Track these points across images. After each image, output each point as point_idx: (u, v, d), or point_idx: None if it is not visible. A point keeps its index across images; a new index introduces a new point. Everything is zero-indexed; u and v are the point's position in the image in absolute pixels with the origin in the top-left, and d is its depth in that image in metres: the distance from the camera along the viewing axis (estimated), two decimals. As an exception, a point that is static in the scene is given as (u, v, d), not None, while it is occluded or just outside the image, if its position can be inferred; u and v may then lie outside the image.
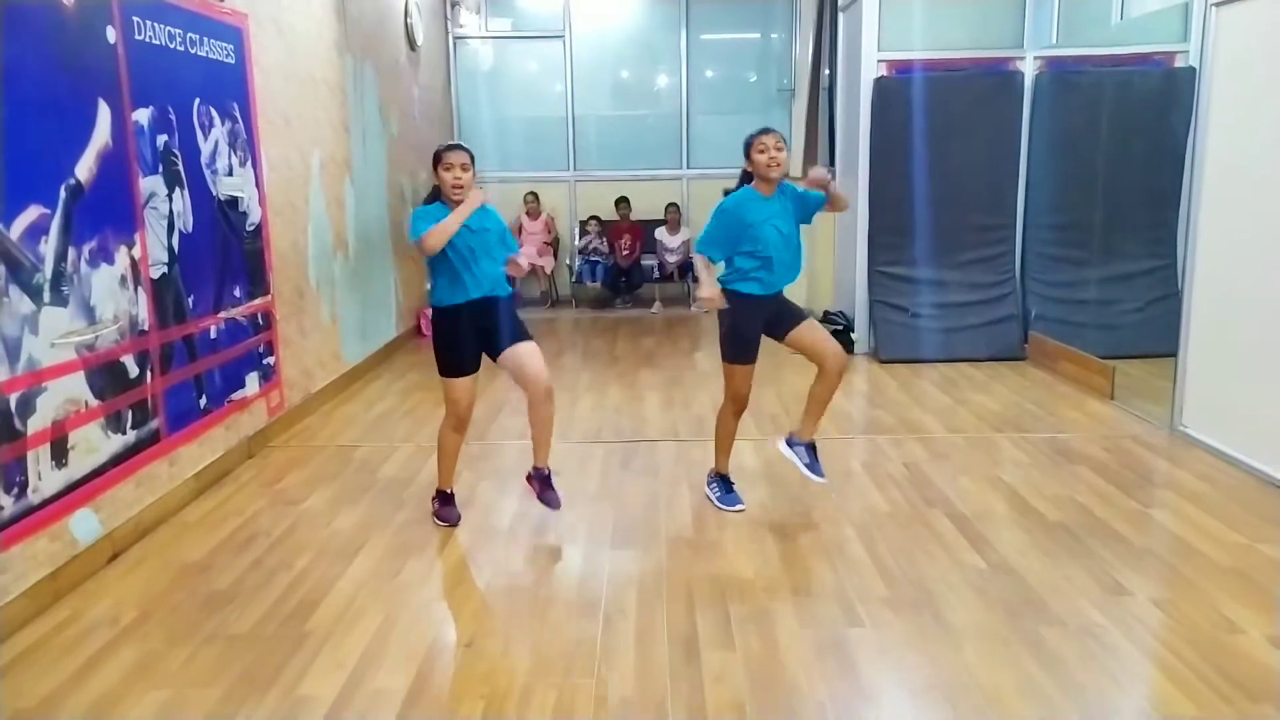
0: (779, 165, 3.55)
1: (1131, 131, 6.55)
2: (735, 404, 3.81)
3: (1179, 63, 6.52)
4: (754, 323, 3.70)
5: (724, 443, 3.93)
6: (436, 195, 3.55)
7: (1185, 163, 5.04)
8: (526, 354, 3.60)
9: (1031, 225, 6.81)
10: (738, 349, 3.72)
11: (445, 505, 3.81)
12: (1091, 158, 6.61)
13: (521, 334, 3.64)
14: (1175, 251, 5.89)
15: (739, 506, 3.84)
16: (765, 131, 3.58)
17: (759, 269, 3.61)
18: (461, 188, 3.46)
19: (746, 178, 3.65)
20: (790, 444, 3.91)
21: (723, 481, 3.94)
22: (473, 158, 3.54)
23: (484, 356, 3.67)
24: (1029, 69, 6.66)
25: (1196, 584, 3.14)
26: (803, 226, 3.78)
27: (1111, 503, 3.88)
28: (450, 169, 3.46)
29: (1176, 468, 4.33)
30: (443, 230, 3.37)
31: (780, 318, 3.74)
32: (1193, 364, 4.67)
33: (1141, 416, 5.10)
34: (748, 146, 3.59)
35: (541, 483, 3.76)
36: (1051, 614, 2.95)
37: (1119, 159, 6.53)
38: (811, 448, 3.87)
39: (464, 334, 3.58)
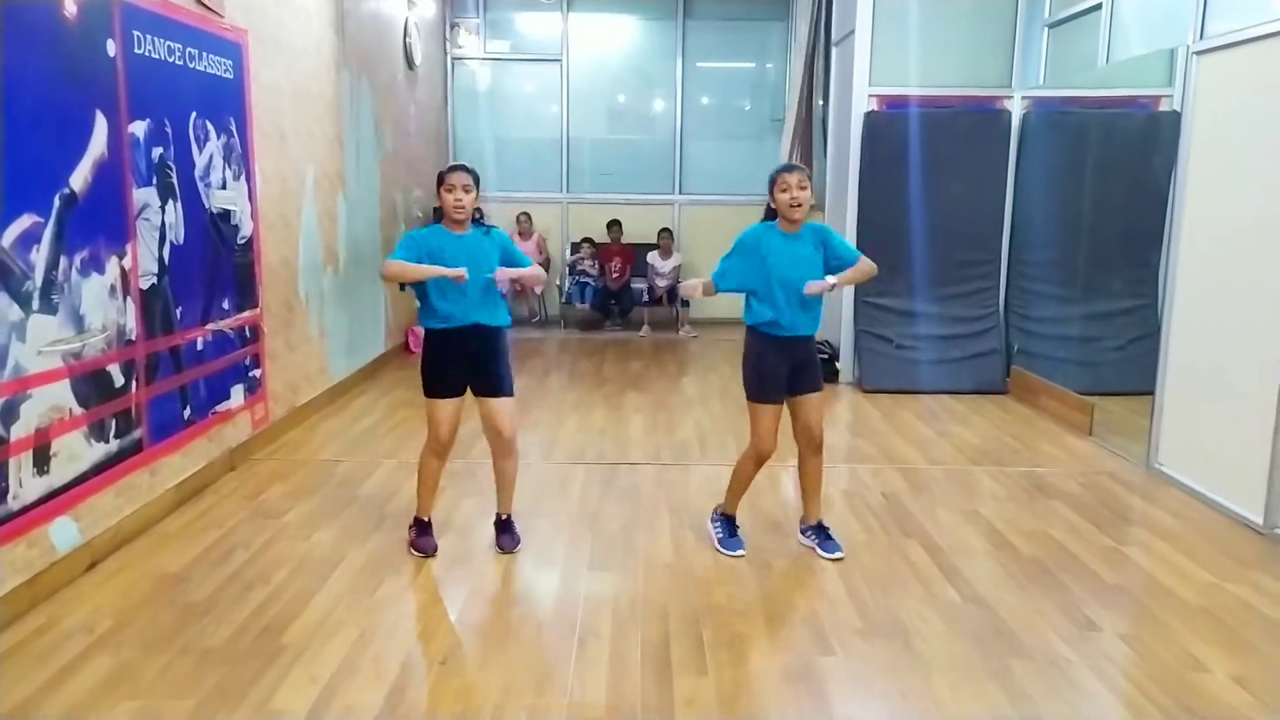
0: (800, 205, 3.44)
1: (1115, 172, 6.66)
2: (756, 448, 3.65)
3: (1164, 106, 6.63)
4: (773, 362, 3.58)
5: (737, 485, 3.80)
6: (441, 215, 3.56)
7: (1167, 204, 5.13)
8: (500, 409, 3.59)
9: (1016, 261, 6.90)
10: (758, 386, 3.61)
11: (422, 534, 3.72)
12: (1076, 197, 6.72)
13: (503, 386, 3.60)
14: (1156, 291, 5.97)
15: (739, 552, 3.70)
16: (789, 170, 3.49)
17: (772, 308, 3.52)
18: (463, 208, 3.46)
19: (771, 214, 3.55)
20: (803, 533, 3.84)
21: (727, 523, 3.82)
22: (477, 180, 3.52)
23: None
24: (1016, 108, 6.77)
25: (1165, 621, 3.18)
26: None
27: (1085, 538, 3.93)
28: (452, 190, 3.45)
29: (1151, 505, 4.39)
30: (403, 273, 3.43)
31: (800, 374, 3.60)
32: (1169, 403, 4.73)
33: (1119, 453, 5.16)
34: (771, 184, 3.50)
35: (499, 527, 3.78)
36: (1021, 647, 2.98)
37: (1103, 199, 6.63)
38: (820, 528, 3.79)
39: (447, 359, 3.56)
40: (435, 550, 3.69)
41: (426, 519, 3.76)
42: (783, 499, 4.38)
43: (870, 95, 6.84)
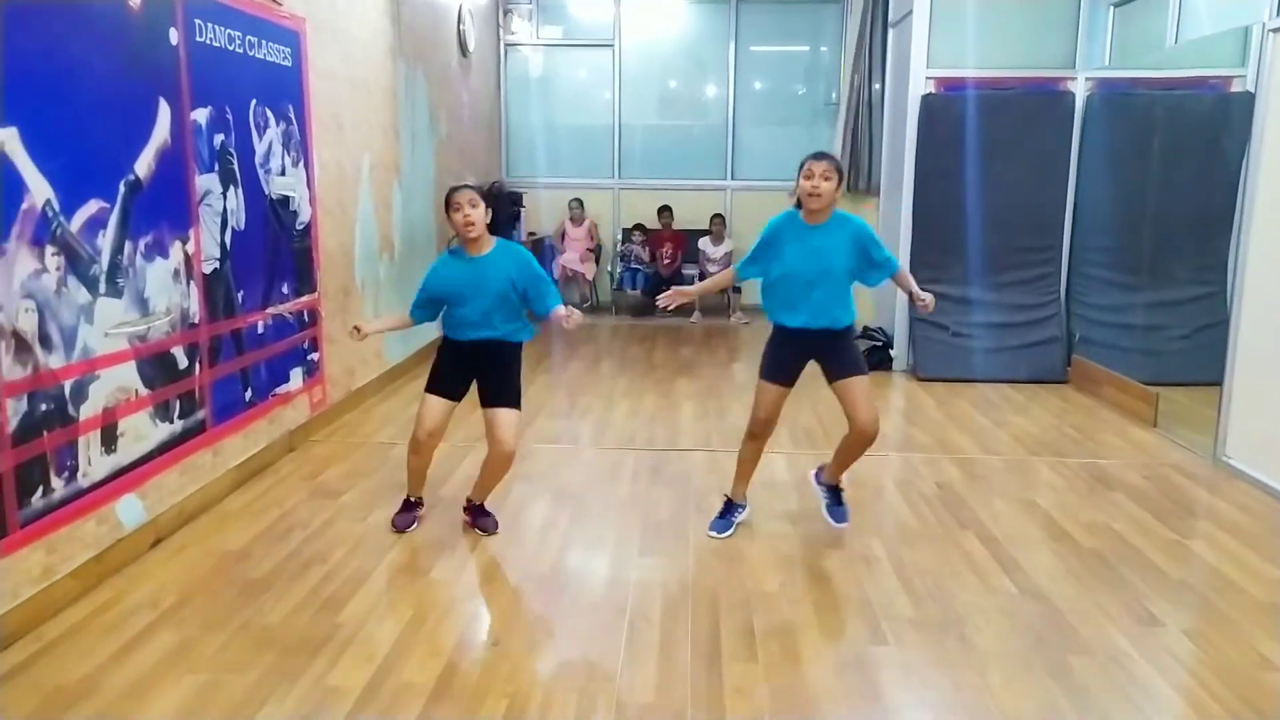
0: (818, 195, 3.34)
1: (1183, 155, 6.45)
2: (752, 425, 3.65)
3: (1235, 87, 6.40)
4: (786, 350, 3.55)
5: (740, 466, 3.79)
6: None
7: (1237, 189, 4.96)
8: (503, 419, 3.54)
9: (1078, 247, 6.73)
10: (765, 366, 3.61)
11: (402, 511, 3.83)
12: (1142, 181, 6.52)
13: (507, 399, 3.56)
14: (1224, 279, 5.78)
15: (715, 534, 3.69)
16: (816, 157, 3.40)
17: (781, 298, 3.48)
18: (474, 224, 3.40)
19: (800, 202, 3.47)
20: (817, 478, 3.85)
21: (724, 504, 3.81)
22: (484, 194, 3.46)
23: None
24: (1080, 90, 6.59)
25: (1231, 618, 3.09)
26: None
27: (1148, 532, 3.83)
28: (459, 209, 3.40)
29: (1217, 498, 4.26)
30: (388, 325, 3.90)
31: (829, 360, 3.51)
32: (1238, 394, 4.59)
33: (1184, 445, 5.02)
34: (798, 169, 3.42)
35: (474, 512, 3.79)
36: (1080, 642, 2.92)
37: (1169, 183, 6.43)
38: (833, 490, 3.77)
39: (450, 361, 3.59)
40: (406, 527, 3.75)
41: (416, 498, 3.86)
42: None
43: (928, 77, 6.71)
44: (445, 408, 3.61)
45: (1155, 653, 2.85)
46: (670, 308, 3.62)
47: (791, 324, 3.48)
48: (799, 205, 3.47)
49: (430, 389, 3.62)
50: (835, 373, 3.51)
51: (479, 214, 3.42)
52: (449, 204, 3.44)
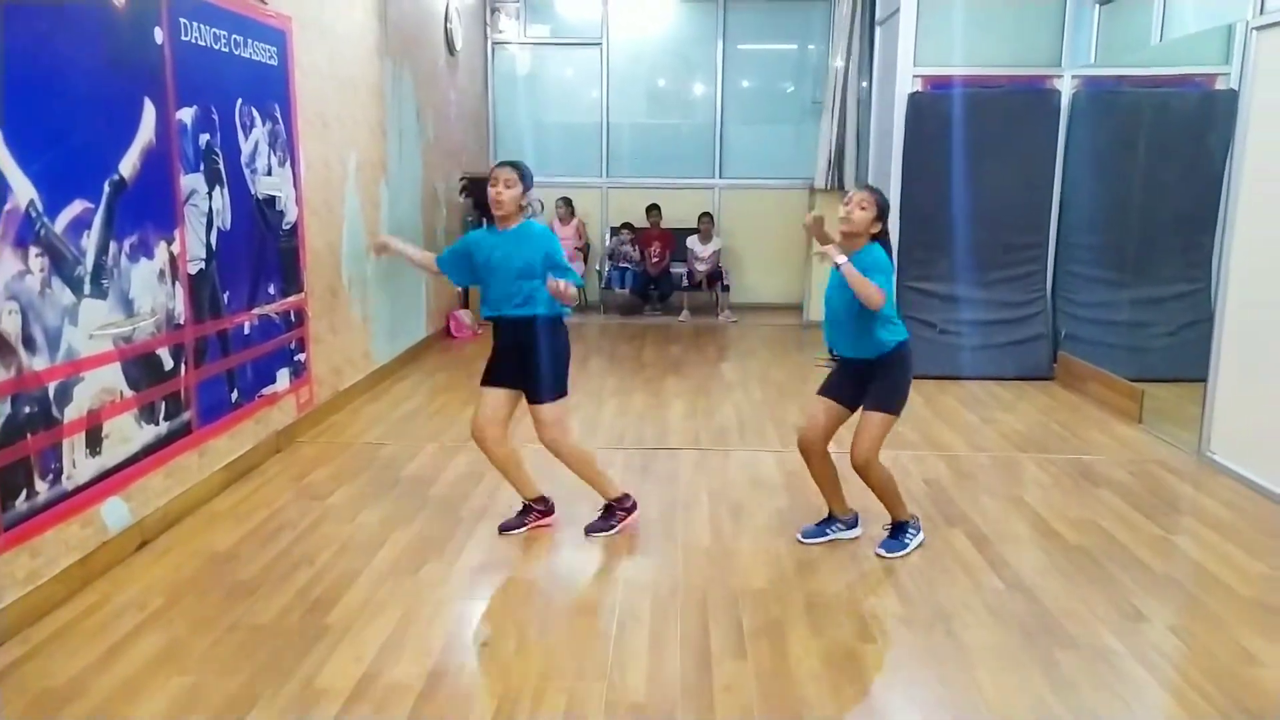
0: (846, 222, 3.35)
1: (1168, 153, 6.49)
2: (798, 432, 3.69)
3: (1219, 85, 6.45)
4: (838, 365, 3.61)
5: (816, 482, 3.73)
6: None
7: (1221, 186, 5.00)
8: (535, 414, 3.60)
9: (1064, 244, 6.76)
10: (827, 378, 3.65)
11: (520, 513, 3.81)
12: (1127, 178, 6.56)
13: (539, 389, 3.56)
14: (1209, 276, 5.83)
15: (800, 537, 3.67)
16: (858, 186, 3.47)
17: (827, 323, 3.56)
18: (501, 203, 3.46)
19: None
20: (843, 524, 3.74)
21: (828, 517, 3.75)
22: (523, 174, 3.50)
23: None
24: (1066, 87, 6.62)
25: (1217, 613, 3.11)
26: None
27: (1134, 527, 3.85)
28: (495, 184, 3.47)
29: (1202, 494, 4.29)
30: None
31: (857, 389, 3.50)
32: (1222, 390, 4.62)
33: (1169, 441, 5.05)
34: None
35: (604, 513, 3.81)
36: (1067, 638, 2.93)
37: (1155, 181, 6.47)
38: (893, 525, 3.65)
39: (497, 347, 3.63)
40: (513, 528, 3.74)
41: (528, 501, 3.79)
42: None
43: (915, 75, 6.73)
44: (495, 397, 3.61)
45: (1142, 649, 2.87)
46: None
47: (831, 345, 3.59)
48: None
49: (482, 380, 3.66)
50: (859, 402, 3.52)
51: (510, 195, 3.45)
52: (489, 177, 3.51)
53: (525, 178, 3.52)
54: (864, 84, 8.43)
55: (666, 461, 4.71)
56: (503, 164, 3.54)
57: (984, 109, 6.58)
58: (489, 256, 3.53)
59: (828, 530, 3.71)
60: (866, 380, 3.48)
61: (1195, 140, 6.46)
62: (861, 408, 3.50)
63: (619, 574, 3.41)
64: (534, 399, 3.59)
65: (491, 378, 3.65)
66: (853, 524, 3.72)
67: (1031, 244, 6.76)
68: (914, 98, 6.71)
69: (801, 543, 3.65)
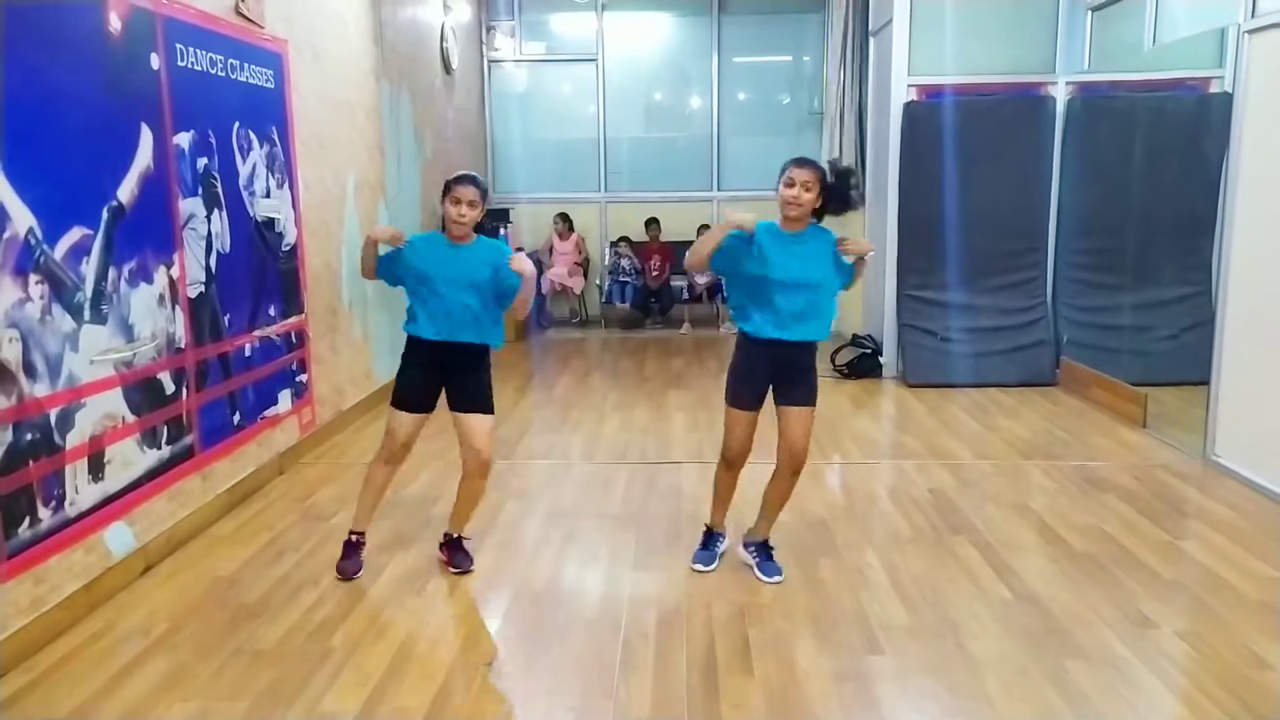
0: (796, 205, 3.17)
1: (1165, 157, 6.49)
2: (725, 453, 3.44)
3: (1214, 88, 6.45)
4: (752, 365, 3.34)
5: (716, 494, 3.58)
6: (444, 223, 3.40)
7: (1219, 189, 5.00)
8: (477, 426, 3.41)
9: (1063, 250, 6.76)
10: (733, 390, 3.38)
11: (346, 555, 3.52)
12: (1124, 183, 6.56)
13: (482, 404, 3.42)
14: (1209, 278, 5.81)
15: (699, 566, 3.51)
16: (798, 164, 3.20)
17: (750, 306, 3.29)
18: (466, 223, 3.30)
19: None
20: (745, 545, 3.59)
21: (705, 535, 3.62)
22: (485, 194, 3.33)
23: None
24: (1061, 94, 6.64)
25: (1224, 618, 3.10)
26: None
27: (1140, 533, 3.84)
28: (458, 203, 3.28)
29: (1207, 498, 4.27)
30: (362, 258, 3.48)
31: (785, 380, 3.33)
32: (1226, 392, 4.61)
33: (1173, 445, 5.04)
34: (780, 172, 3.25)
35: (451, 547, 3.59)
36: (1075, 646, 2.92)
37: (1152, 184, 6.47)
38: (763, 546, 3.53)
39: (418, 368, 3.41)
40: (357, 572, 3.48)
41: (357, 536, 3.55)
42: (828, 498, 4.34)
43: (909, 85, 6.75)
44: (414, 420, 3.44)
45: (1150, 655, 2.85)
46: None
47: (759, 334, 3.28)
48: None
49: (394, 402, 3.45)
50: (787, 396, 3.36)
51: (474, 215, 3.30)
52: (448, 191, 3.29)
53: (486, 195, 3.36)
54: (859, 94, 8.44)
55: (671, 475, 4.70)
56: (464, 179, 3.32)
57: (979, 117, 6.60)
58: (432, 268, 3.32)
59: (719, 548, 3.62)
60: (782, 367, 3.30)
61: (1191, 143, 6.45)
62: (786, 404, 3.34)
63: (624, 590, 3.40)
64: (482, 409, 3.40)
65: (405, 400, 3.43)
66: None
67: (1030, 250, 6.77)
68: (909, 107, 6.73)
69: (699, 571, 3.51)
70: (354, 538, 3.57)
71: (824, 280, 3.28)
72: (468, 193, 3.29)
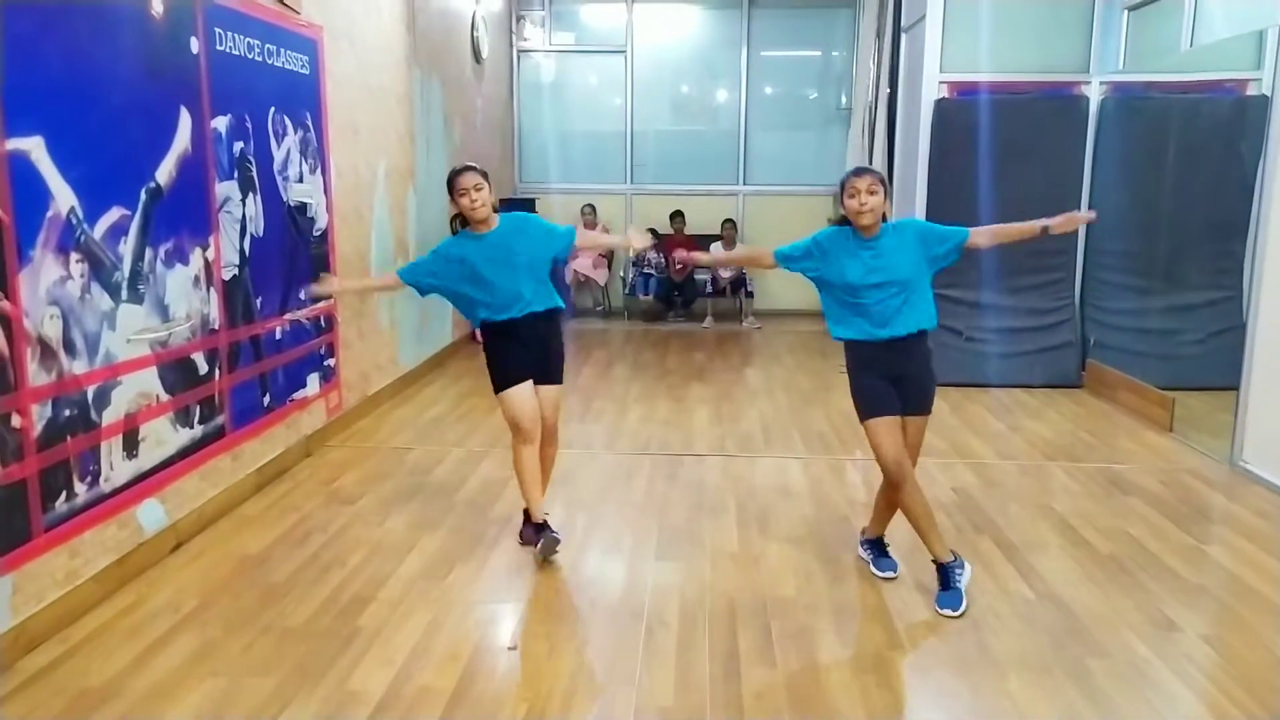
0: (870, 210, 3.15)
1: (1199, 159, 6.43)
2: (886, 475, 3.25)
3: (1251, 90, 6.39)
4: (869, 368, 3.26)
5: (877, 511, 3.49)
6: (464, 221, 3.47)
7: (1254, 193, 4.95)
8: (551, 396, 3.59)
9: (1093, 251, 6.71)
10: (862, 400, 3.26)
11: (539, 533, 3.52)
12: (1157, 185, 6.51)
13: (555, 375, 3.61)
14: (1240, 283, 5.76)
15: (889, 574, 3.41)
16: (858, 173, 3.20)
17: (846, 312, 3.26)
18: (481, 206, 3.35)
19: (845, 220, 3.26)
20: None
21: (873, 545, 3.53)
22: (485, 175, 3.40)
23: None
24: (1094, 94, 6.58)
25: (1249, 622, 3.08)
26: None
27: (1165, 537, 3.82)
28: (465, 194, 3.34)
29: (1234, 503, 4.24)
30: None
31: (901, 383, 3.24)
32: (1255, 398, 4.57)
33: (1200, 450, 5.00)
34: (840, 189, 3.25)
35: (537, 529, 3.56)
36: (1098, 647, 2.91)
37: (1185, 187, 6.41)
38: (943, 570, 3.26)
39: (507, 342, 3.51)
40: (556, 547, 3.50)
41: (541, 520, 3.56)
42: (850, 494, 4.35)
43: (941, 82, 6.70)
44: (526, 390, 3.50)
45: (1174, 658, 2.84)
46: (682, 266, 3.60)
47: (863, 337, 3.25)
48: (847, 223, 3.27)
49: (501, 385, 3.51)
50: (904, 404, 3.27)
51: (485, 195, 3.36)
52: (452, 188, 3.37)
53: (487, 175, 3.41)
54: (889, 90, 8.41)
55: (693, 468, 4.71)
56: (458, 171, 3.37)
57: (1011, 115, 6.55)
58: (480, 267, 3.41)
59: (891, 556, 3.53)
60: (900, 367, 3.23)
61: (1226, 146, 6.39)
62: (907, 412, 3.26)
63: (647, 579, 3.42)
64: (555, 380, 3.62)
65: (508, 377, 3.50)
66: None
67: (1059, 251, 6.69)
68: (940, 104, 6.69)
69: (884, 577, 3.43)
70: (539, 521, 3.57)
71: (910, 275, 3.23)
72: (468, 180, 3.36)
